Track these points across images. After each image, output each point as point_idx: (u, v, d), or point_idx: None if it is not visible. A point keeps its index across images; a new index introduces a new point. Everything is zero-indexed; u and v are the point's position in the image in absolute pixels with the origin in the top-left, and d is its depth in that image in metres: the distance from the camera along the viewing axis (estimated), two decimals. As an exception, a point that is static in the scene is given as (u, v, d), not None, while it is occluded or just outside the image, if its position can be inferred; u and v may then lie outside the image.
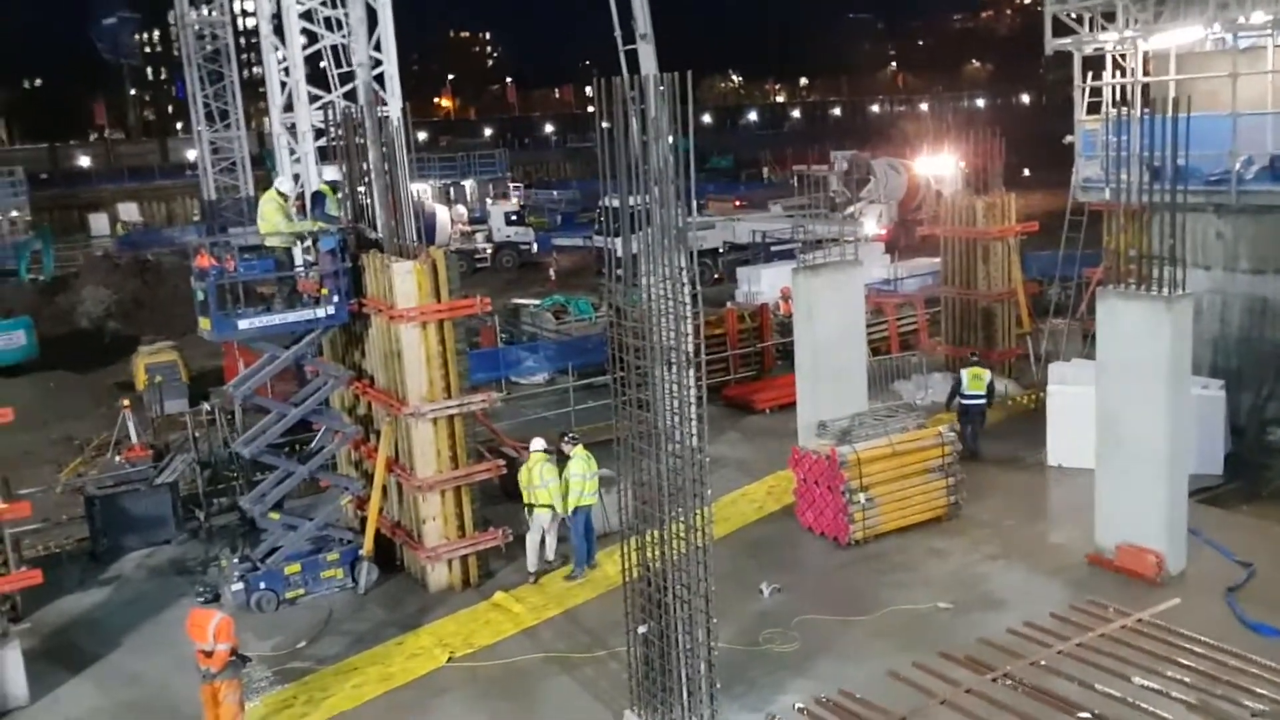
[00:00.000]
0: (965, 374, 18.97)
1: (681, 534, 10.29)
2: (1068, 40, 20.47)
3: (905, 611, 13.55)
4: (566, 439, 15.76)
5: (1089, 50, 20.40)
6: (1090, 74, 20.56)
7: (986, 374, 18.99)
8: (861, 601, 13.84)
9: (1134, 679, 8.07)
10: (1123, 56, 20.27)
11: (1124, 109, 18.00)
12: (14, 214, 52.73)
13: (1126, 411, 13.95)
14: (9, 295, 34.92)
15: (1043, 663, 8.54)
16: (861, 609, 13.63)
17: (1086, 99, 20.65)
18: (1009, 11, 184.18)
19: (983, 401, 18.85)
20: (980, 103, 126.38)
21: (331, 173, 16.34)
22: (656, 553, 10.53)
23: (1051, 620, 9.25)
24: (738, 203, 51.50)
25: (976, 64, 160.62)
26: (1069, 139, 22.46)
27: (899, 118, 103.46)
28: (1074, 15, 20.53)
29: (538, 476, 15.07)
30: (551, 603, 14.41)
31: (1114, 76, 20.39)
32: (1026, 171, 53.63)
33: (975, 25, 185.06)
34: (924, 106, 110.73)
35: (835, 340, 17.47)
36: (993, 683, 8.24)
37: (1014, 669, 8.34)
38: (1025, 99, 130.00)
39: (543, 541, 15.27)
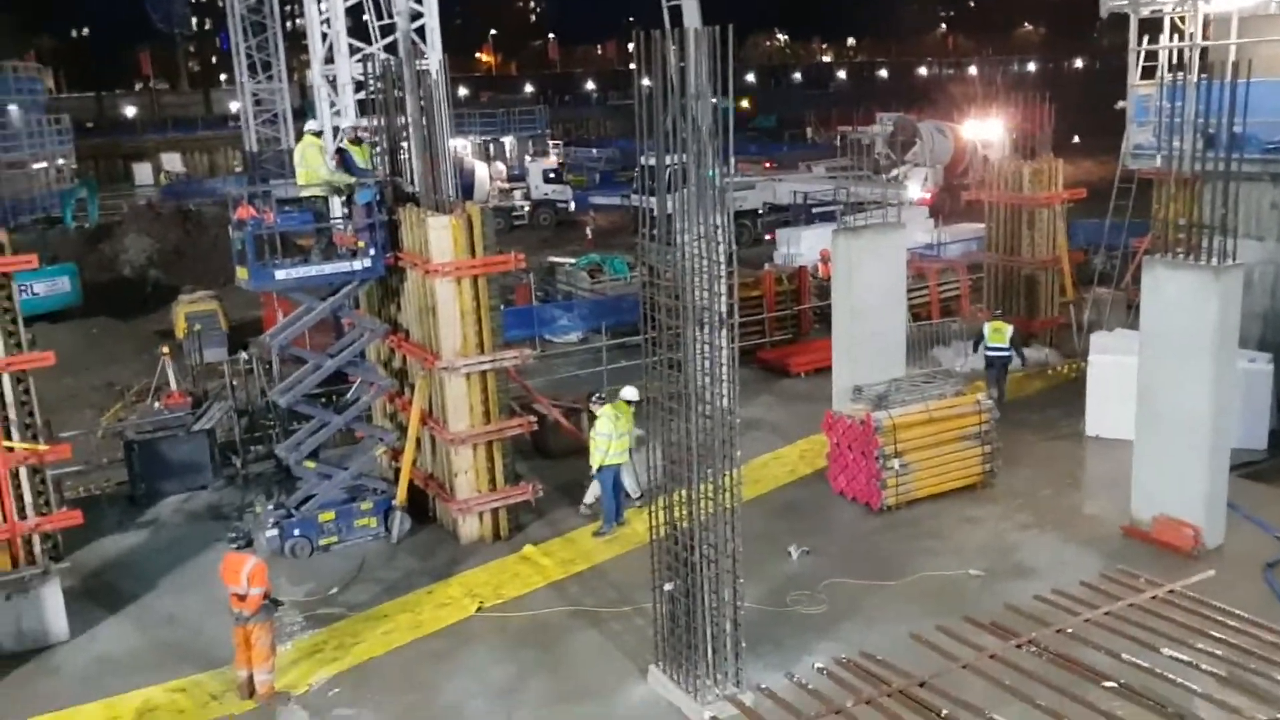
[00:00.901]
0: (987, 327, 20.05)
1: (710, 494, 10.28)
2: (1124, 2, 19.95)
3: (935, 578, 13.49)
4: (595, 398, 15.85)
5: (1146, 13, 19.88)
6: (1146, 37, 20.06)
7: (1008, 328, 19.89)
8: (891, 567, 13.79)
9: (1163, 650, 7.97)
10: (1181, 19, 19.75)
11: (1180, 74, 17.55)
12: (60, 162, 53.26)
13: (1169, 383, 13.72)
14: (54, 242, 35.28)
15: (1070, 631, 8.43)
16: (891, 574, 13.58)
17: (1141, 63, 20.16)
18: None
19: (1007, 353, 19.81)
20: (1031, 67, 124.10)
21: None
22: (685, 512, 10.53)
23: (1081, 589, 9.14)
24: (768, 164, 50.86)
25: (1028, 27, 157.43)
26: (1121, 104, 21.98)
27: (947, 80, 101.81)
28: (1131, -25, 20.00)
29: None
30: (580, 558, 14.48)
31: (1171, 40, 19.88)
32: (1076, 138, 52.73)
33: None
34: (973, 69, 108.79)
35: (874, 304, 17.29)
36: (1017, 649, 8.16)
37: (1040, 636, 8.24)
38: (1078, 63, 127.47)
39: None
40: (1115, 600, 8.89)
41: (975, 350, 20.53)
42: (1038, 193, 21.91)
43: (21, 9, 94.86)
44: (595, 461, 15.14)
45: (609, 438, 15.09)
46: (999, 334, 19.79)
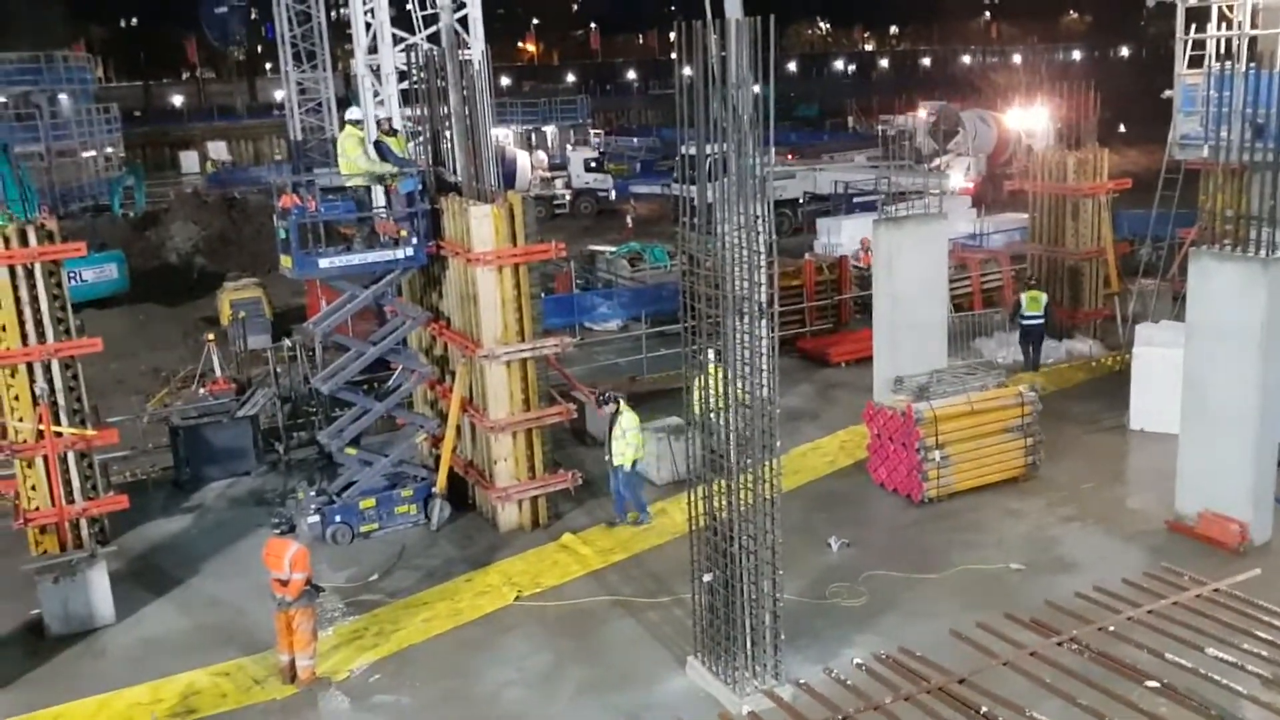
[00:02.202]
0: (1024, 296, 20.73)
1: (750, 485, 10.27)
2: (1172, -11, 19.64)
3: (976, 571, 13.39)
4: (605, 396, 15.60)
5: (1193, 1, 19.56)
6: (1194, 26, 19.73)
7: (1043, 296, 20.68)
8: (931, 559, 13.72)
9: (1208, 650, 7.85)
10: (1229, 8, 19.40)
11: (1228, 63, 17.23)
12: (109, 150, 54.05)
13: (1215, 376, 13.52)
14: (102, 229, 35.80)
15: (1112, 629, 8.33)
16: (931, 567, 13.51)
17: (1188, 52, 19.84)
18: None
19: (1041, 322, 20.58)
20: (1076, 55, 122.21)
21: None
22: (724, 503, 10.53)
23: (1124, 586, 9.03)
24: (790, 155, 50.42)
25: (1074, 15, 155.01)
26: (1168, 93, 21.66)
27: (991, 69, 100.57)
28: (1180, -36, 19.68)
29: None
30: (618, 547, 14.52)
31: (1219, 29, 19.54)
32: (1122, 127, 52.00)
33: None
34: (1017, 58, 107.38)
35: (916, 295, 17.17)
36: (1058, 646, 8.07)
37: (1081, 634, 8.15)
38: (1124, 52, 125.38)
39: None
40: (1159, 598, 8.78)
41: (1013, 320, 21.16)
42: (1082, 183, 21.62)
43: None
44: (629, 458, 14.98)
45: (639, 430, 15.14)
46: (1035, 303, 20.53)
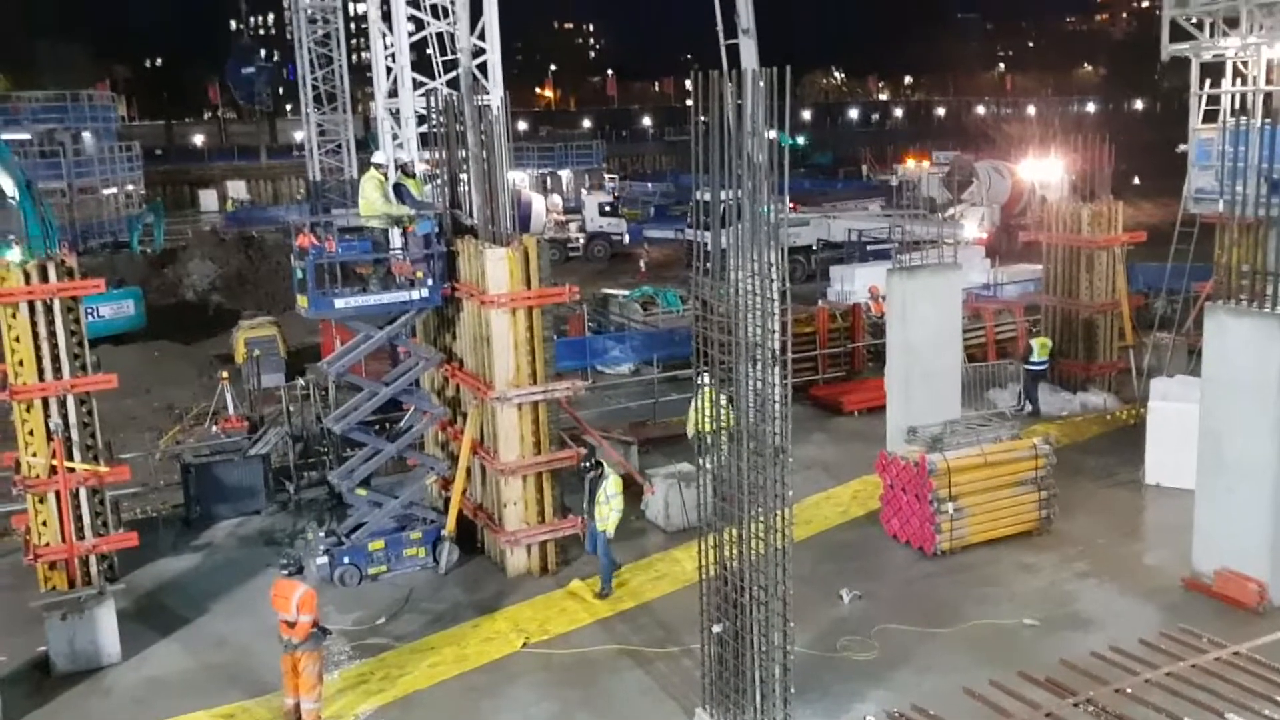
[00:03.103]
0: (1035, 343, 21.47)
1: (761, 534, 10.18)
2: (1186, 46, 19.77)
3: (989, 626, 13.23)
4: (587, 464, 15.04)
5: (1208, 56, 19.67)
6: (1208, 81, 19.82)
7: (1049, 342, 21.59)
8: (944, 613, 13.56)
9: (1227, 715, 7.73)
10: (1244, 64, 19.50)
11: (1243, 118, 17.28)
12: (129, 188, 54.62)
13: (1232, 431, 13.41)
14: (121, 266, 36.06)
15: (1129, 690, 8.22)
16: (944, 621, 13.35)
17: (1203, 107, 19.91)
18: (1124, 15, 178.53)
19: (1046, 366, 21.54)
20: (1091, 107, 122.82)
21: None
22: (735, 552, 10.44)
23: (1140, 646, 8.91)
24: (793, 205, 50.54)
25: (1088, 68, 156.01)
26: (1182, 148, 21.73)
27: (1005, 120, 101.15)
28: (1194, 20, 19.81)
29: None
30: (627, 595, 14.40)
31: (1234, 84, 19.62)
32: (1136, 180, 52.11)
33: (1089, 28, 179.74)
34: (1031, 109, 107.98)
35: (929, 344, 17.13)
36: (1074, 707, 7.96)
37: (1097, 695, 8.04)
38: (1138, 105, 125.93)
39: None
40: (1177, 660, 8.67)
41: (1025, 361, 21.70)
42: (1097, 235, 21.61)
43: (99, 39, 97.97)
44: (613, 523, 14.45)
45: (620, 495, 14.57)
46: (1045, 348, 21.40)
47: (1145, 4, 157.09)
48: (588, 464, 14.94)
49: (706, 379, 13.68)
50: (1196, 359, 16.39)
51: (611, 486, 14.50)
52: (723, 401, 13.29)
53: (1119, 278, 22.14)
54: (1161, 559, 14.91)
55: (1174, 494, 16.26)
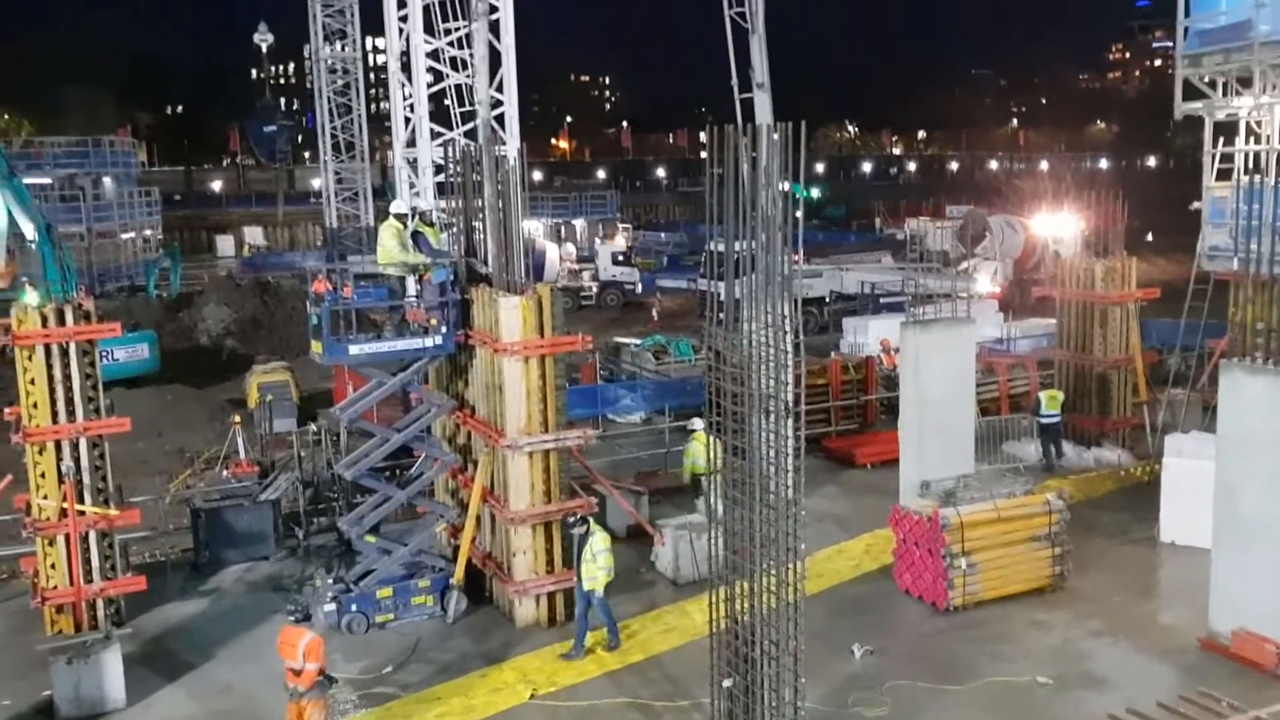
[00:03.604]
0: (1043, 396, 21.44)
1: (773, 588, 10.10)
2: (1199, 105, 19.88)
3: (1002, 684, 13.05)
4: (573, 520, 14.44)
5: (1221, 115, 19.76)
6: (1221, 139, 19.90)
7: (1061, 395, 21.50)
8: (957, 670, 13.38)
9: (1247, 778, 7.60)
10: (1258, 123, 19.59)
11: (1257, 176, 17.34)
12: (148, 233, 55.23)
13: (1249, 489, 13.29)
14: (136, 310, 36.35)
15: (1147, 752, 8.09)
16: (956, 678, 13.17)
17: (1216, 165, 19.97)
18: (1137, 73, 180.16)
19: (1059, 419, 21.34)
20: (1104, 164, 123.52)
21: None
22: (746, 605, 10.35)
23: (1158, 710, 8.77)
24: (798, 258, 50.80)
25: (1101, 124, 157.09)
26: (1195, 205, 21.75)
27: (1018, 175, 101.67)
28: (1207, 79, 19.94)
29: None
30: (636, 647, 14.26)
31: (1248, 142, 19.70)
32: (1150, 236, 52.16)
33: (1101, 85, 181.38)
34: (1044, 165, 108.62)
35: (943, 398, 17.09)
36: (1091, 769, 7.83)
37: (1115, 756, 7.91)
38: (1151, 162, 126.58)
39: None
40: (1194, 721, 8.52)
41: (1035, 414, 21.62)
42: (1110, 290, 21.62)
43: (123, 86, 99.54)
44: (601, 582, 13.92)
45: (607, 552, 14.07)
46: (1054, 401, 21.32)
47: (1158, 63, 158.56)
48: (573, 519, 14.44)
49: (698, 423, 13.87)
50: (1211, 415, 16.29)
51: (598, 543, 14.01)
52: (715, 445, 13.35)
53: (1133, 333, 22.11)
54: (1177, 618, 14.72)
55: (1190, 552, 16.10)
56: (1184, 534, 16.78)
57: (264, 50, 72.63)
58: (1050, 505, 15.67)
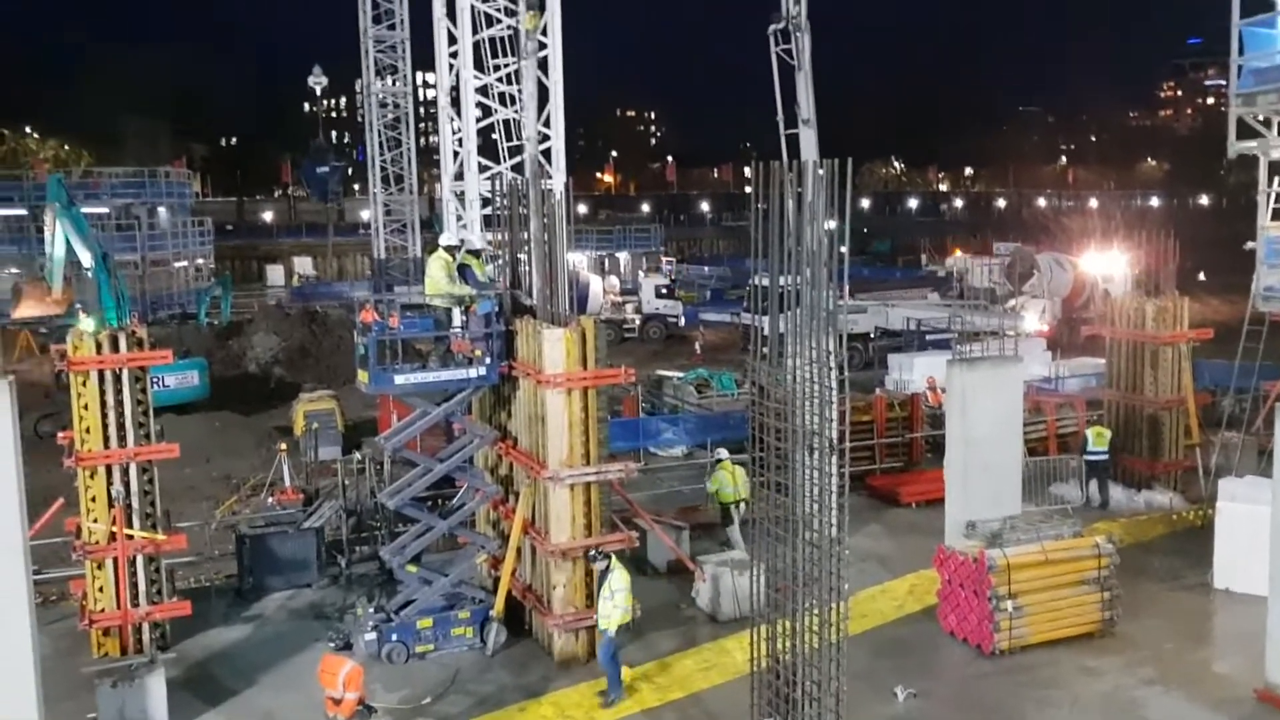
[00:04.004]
0: (1090, 432, 21.23)
1: (815, 627, 9.99)
2: (1253, 143, 19.56)
3: (1049, 731, 12.78)
4: (594, 554, 14.25)
5: (1276, 154, 19.45)
6: (1276, 178, 19.58)
7: (1108, 432, 21.20)
8: (1002, 715, 13.14)
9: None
10: (1315, 161, 19.25)
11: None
12: (200, 261, 56.27)
13: (1306, 537, 12.96)
14: (187, 336, 36.95)
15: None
16: (1001, 723, 12.92)
17: (1271, 204, 19.64)
18: (1189, 111, 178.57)
19: (1106, 457, 21.01)
20: (1154, 202, 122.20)
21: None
22: (787, 644, 10.24)
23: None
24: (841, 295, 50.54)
25: (1152, 162, 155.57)
26: (1250, 245, 21.39)
27: (1067, 212, 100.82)
28: (1261, 118, 19.65)
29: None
30: (676, 685, 14.14)
31: (1304, 181, 19.36)
32: (1202, 275, 51.48)
33: (1152, 123, 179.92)
34: (1094, 203, 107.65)
35: (989, 437, 16.88)
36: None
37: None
38: (1204, 200, 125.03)
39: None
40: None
41: (1082, 454, 21.25)
42: (1161, 331, 21.29)
43: (177, 118, 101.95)
44: (615, 622, 13.54)
45: (626, 592, 13.75)
46: (1101, 438, 21.01)
47: (1210, 101, 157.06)
48: (595, 554, 14.16)
49: (724, 452, 13.83)
50: (1266, 459, 15.97)
51: (617, 580, 13.67)
52: (740, 473, 13.31)
53: (1185, 374, 21.74)
54: (1232, 667, 14.34)
55: (1245, 599, 15.72)
56: (1239, 581, 16.39)
57: (318, 92, 74.22)
58: (1099, 548, 15.39)
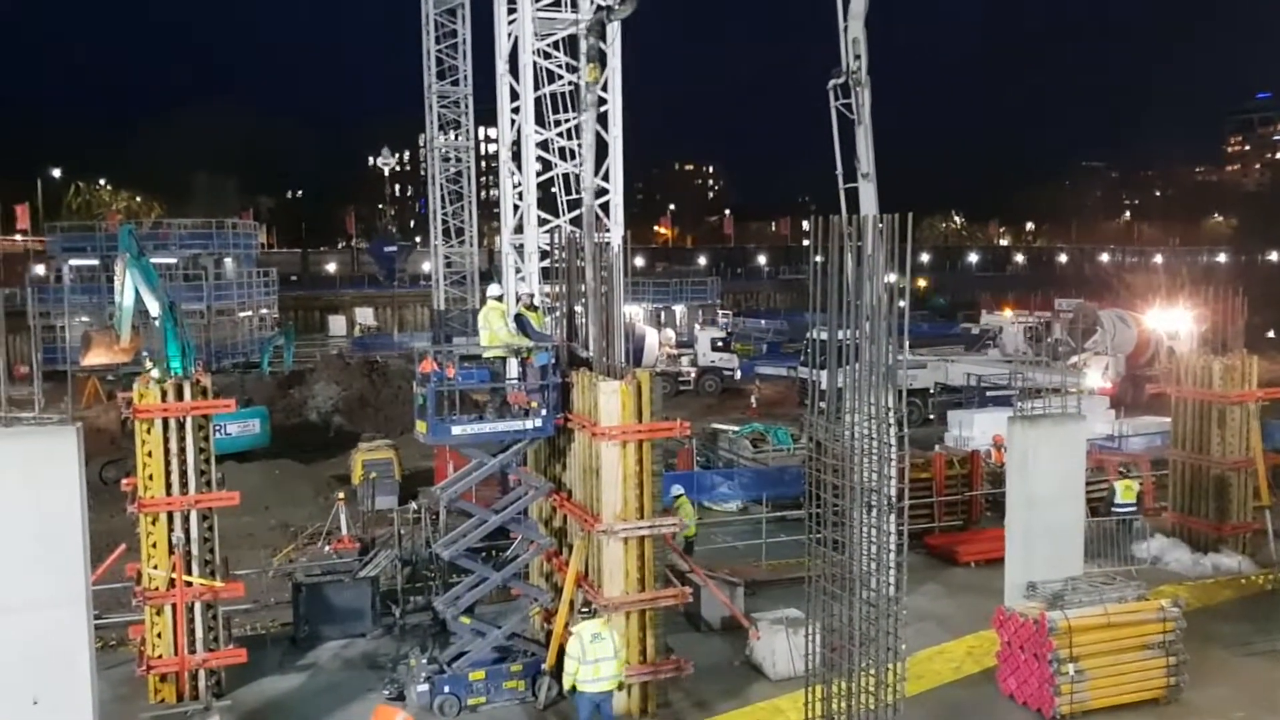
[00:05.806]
0: (1119, 485, 21.29)
1: (871, 688, 9.81)
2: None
3: (1114, 802, 12.36)
4: (581, 611, 14.18)
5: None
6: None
7: (1136, 485, 21.49)
8: (1064, 784, 12.73)
9: None
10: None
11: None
12: (264, 311, 57.42)
13: (1385, 605, 12.50)
14: (250, 385, 37.60)
15: None
16: (1064, 793, 12.52)
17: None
18: (1257, 166, 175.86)
19: (1134, 509, 21.05)
20: (1221, 258, 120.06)
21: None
22: (843, 705, 10.06)
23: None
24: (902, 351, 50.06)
25: (1218, 218, 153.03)
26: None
27: (1130, 268, 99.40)
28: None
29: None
30: (728, 743, 13.93)
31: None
32: (1271, 333, 50.36)
33: (1219, 178, 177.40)
34: (1158, 259, 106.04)
35: (1051, 496, 16.53)
36: None
37: None
38: (1273, 257, 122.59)
39: None
40: None
41: (1109, 507, 21.14)
42: (1229, 390, 20.82)
43: (244, 172, 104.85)
44: (567, 680, 13.31)
45: (577, 661, 13.14)
46: (1130, 491, 21.13)
47: (1278, 155, 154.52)
48: (585, 611, 14.05)
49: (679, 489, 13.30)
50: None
51: (570, 645, 13.33)
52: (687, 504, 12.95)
53: (1254, 434, 21.21)
54: (1307, 740, 13.82)
55: (1320, 669, 15.16)
56: (1313, 649, 15.84)
57: (385, 173, 76.38)
58: (1165, 612, 14.96)
